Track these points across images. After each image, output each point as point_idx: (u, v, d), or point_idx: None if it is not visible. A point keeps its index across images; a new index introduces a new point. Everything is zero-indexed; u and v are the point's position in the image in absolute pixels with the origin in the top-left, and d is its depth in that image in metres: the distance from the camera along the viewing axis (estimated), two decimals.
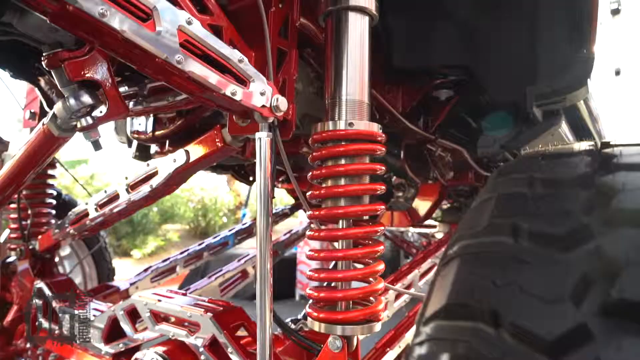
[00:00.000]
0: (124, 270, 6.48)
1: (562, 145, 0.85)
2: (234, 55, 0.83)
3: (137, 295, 1.31)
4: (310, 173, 1.00)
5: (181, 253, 2.39)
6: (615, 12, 2.50)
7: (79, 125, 0.96)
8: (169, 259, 2.30)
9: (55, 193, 2.01)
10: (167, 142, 1.71)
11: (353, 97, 0.97)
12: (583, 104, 1.76)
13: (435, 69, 1.57)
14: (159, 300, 1.26)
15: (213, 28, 0.96)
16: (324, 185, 0.98)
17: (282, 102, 0.93)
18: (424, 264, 1.78)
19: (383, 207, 1.04)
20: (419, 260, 1.83)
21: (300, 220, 5.68)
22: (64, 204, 2.39)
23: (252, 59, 1.04)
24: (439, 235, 3.60)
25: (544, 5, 1.30)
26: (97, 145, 0.99)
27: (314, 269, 1.01)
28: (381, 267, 1.01)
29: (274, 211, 3.23)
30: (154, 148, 1.79)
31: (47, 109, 1.29)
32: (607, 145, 0.76)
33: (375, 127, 0.98)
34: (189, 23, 0.73)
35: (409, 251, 4.62)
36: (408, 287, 1.70)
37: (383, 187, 1.02)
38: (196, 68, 0.75)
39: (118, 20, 0.63)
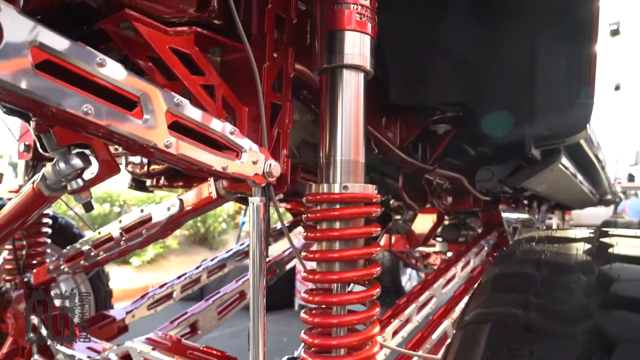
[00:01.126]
0: (123, 278, 6.48)
1: (566, 230, 0.97)
2: (224, 128, 0.82)
3: (132, 342, 1.30)
4: (305, 234, 0.99)
5: (178, 278, 2.38)
6: (615, 32, 2.50)
7: (69, 188, 0.95)
8: (166, 284, 2.28)
9: (50, 221, 1.99)
10: (162, 177, 1.69)
11: (348, 158, 0.96)
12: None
13: (433, 106, 1.55)
14: (153, 349, 1.25)
15: (205, 87, 0.95)
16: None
17: (275, 168, 0.91)
18: (421, 297, 1.77)
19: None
20: (416, 292, 1.81)
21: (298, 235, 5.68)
22: (60, 228, 2.37)
23: (245, 114, 1.03)
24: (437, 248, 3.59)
25: (542, 49, 1.28)
26: (88, 207, 0.98)
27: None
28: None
29: (273, 227, 3.22)
30: (149, 181, 1.77)
31: (40, 149, 1.28)
32: (605, 234, 0.87)
33: (370, 190, 0.96)
34: (178, 105, 0.71)
35: (408, 262, 4.61)
36: (406, 322, 1.69)
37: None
38: (186, 149, 0.73)
39: (104, 114, 0.61)
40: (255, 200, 0.92)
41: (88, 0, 0.78)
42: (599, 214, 5.52)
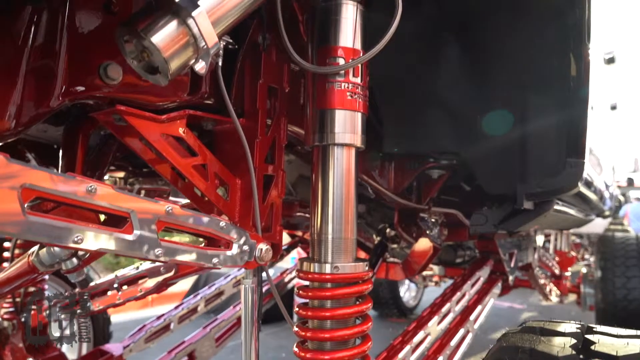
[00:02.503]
0: None
1: (555, 322, 1.08)
2: (215, 223, 0.83)
3: None
4: (298, 309, 1.00)
5: (175, 308, 2.39)
6: (610, 60, 2.51)
7: (64, 267, 0.96)
8: (163, 316, 2.29)
9: None
10: None
11: (339, 236, 0.97)
12: None
13: (426, 154, 1.57)
14: None
15: (197, 168, 0.96)
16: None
17: (267, 252, 0.92)
18: (416, 337, 1.78)
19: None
20: (412, 331, 1.82)
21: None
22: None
23: (238, 187, 1.04)
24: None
25: (533, 109, 1.29)
26: (84, 284, 0.99)
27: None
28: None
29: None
30: None
31: None
32: (591, 330, 0.93)
33: (361, 268, 0.97)
34: (168, 213, 0.72)
35: None
36: None
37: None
38: (177, 254, 0.74)
39: (94, 239, 0.62)
40: (248, 282, 0.93)
41: (86, 101, 0.79)
42: (600, 222, 5.52)
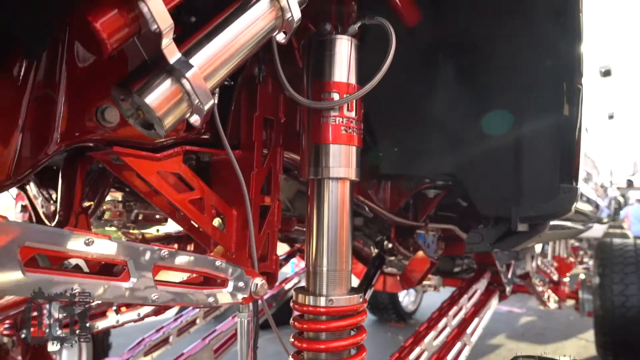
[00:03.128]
0: None
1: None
2: (211, 263, 0.84)
3: None
4: (294, 340, 1.01)
5: (174, 320, 2.40)
6: (606, 73, 2.53)
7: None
8: (162, 328, 2.31)
9: None
10: None
11: (334, 268, 0.98)
12: None
13: (422, 176, 1.58)
14: None
15: (194, 202, 0.97)
16: None
17: (263, 287, 0.94)
18: (412, 354, 1.80)
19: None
20: (408, 347, 1.84)
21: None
22: None
23: (234, 218, 1.06)
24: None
25: (528, 135, 1.30)
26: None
27: None
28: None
29: None
30: None
31: (32, 214, 1.30)
32: None
33: (355, 300, 0.99)
34: (164, 258, 0.74)
35: None
36: None
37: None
38: (173, 296, 0.76)
39: (91, 289, 0.64)
40: (243, 316, 0.94)
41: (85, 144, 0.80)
42: (599, 227, 5.52)
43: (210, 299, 0.83)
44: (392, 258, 2.49)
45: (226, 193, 1.08)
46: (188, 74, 0.58)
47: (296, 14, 0.73)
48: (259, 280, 0.93)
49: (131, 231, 1.59)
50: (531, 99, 1.29)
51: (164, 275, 0.78)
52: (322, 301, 0.96)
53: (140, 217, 1.62)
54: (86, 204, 1.30)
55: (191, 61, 0.61)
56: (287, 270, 4.01)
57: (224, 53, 0.65)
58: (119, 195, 1.64)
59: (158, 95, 0.58)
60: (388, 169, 1.52)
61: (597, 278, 4.21)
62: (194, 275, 0.91)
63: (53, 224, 0.95)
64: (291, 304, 1.03)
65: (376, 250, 2.48)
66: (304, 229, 2.18)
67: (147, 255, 0.71)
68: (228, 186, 1.07)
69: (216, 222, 1.07)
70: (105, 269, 0.68)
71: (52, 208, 1.35)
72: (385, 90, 1.37)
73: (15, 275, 0.55)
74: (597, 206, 2.85)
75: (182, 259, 0.78)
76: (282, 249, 3.33)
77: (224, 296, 0.86)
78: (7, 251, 0.55)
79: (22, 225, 0.56)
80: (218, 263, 0.84)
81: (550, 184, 1.28)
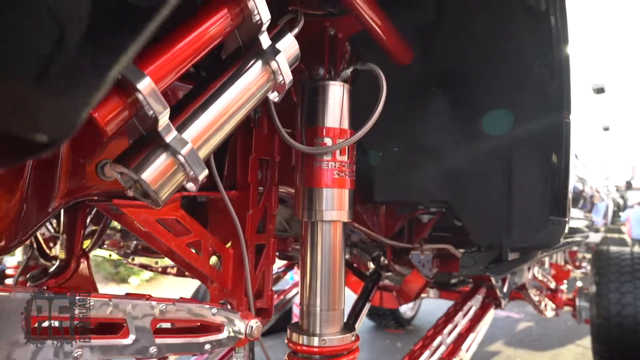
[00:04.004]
0: None
1: None
2: (207, 311, 0.87)
3: None
4: None
5: None
6: (600, 91, 2.57)
7: None
8: None
9: None
10: None
11: (327, 308, 1.01)
12: None
13: (416, 202, 1.61)
14: None
15: (191, 244, 1.01)
16: None
17: (257, 328, 0.97)
18: None
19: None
20: None
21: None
22: None
23: (230, 257, 1.09)
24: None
25: (518, 167, 1.33)
26: None
27: None
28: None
29: None
30: None
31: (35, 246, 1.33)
32: None
33: (348, 340, 1.02)
34: (163, 312, 0.77)
35: None
36: None
37: None
38: (171, 348, 0.79)
39: (92, 351, 0.67)
40: (239, 356, 0.97)
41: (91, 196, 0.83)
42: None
43: (207, 346, 0.86)
44: (389, 274, 2.52)
45: (223, 231, 1.11)
46: (183, 151, 0.62)
47: (287, 77, 0.76)
48: (254, 323, 0.96)
49: (130, 261, 1.63)
50: (520, 133, 1.32)
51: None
52: (316, 341, 0.99)
53: (139, 248, 1.65)
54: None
55: (186, 134, 0.64)
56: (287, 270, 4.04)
57: (219, 121, 0.68)
58: (118, 224, 1.68)
59: (154, 170, 0.61)
60: (382, 196, 1.55)
61: (594, 286, 4.25)
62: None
63: (54, 267, 0.98)
64: (286, 340, 1.06)
65: (373, 266, 2.51)
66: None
67: (146, 311, 0.74)
68: (224, 225, 1.10)
69: (213, 259, 1.10)
70: (103, 329, 0.71)
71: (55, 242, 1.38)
72: (379, 119, 1.41)
73: (18, 342, 0.58)
74: (591, 220, 2.88)
75: (179, 310, 0.81)
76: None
77: (220, 342, 0.89)
78: (11, 321, 0.58)
79: (24, 293, 0.59)
80: (214, 311, 0.88)
81: (540, 216, 1.31)
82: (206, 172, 0.66)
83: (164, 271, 2.00)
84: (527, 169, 1.33)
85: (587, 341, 4.58)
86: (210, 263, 1.08)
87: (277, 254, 2.56)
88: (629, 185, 12.68)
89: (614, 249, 4.51)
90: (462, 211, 1.49)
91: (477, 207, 1.44)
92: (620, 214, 11.64)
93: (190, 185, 0.68)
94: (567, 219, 1.30)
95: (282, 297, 3.19)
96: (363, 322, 2.28)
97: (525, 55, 1.20)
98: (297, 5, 1.05)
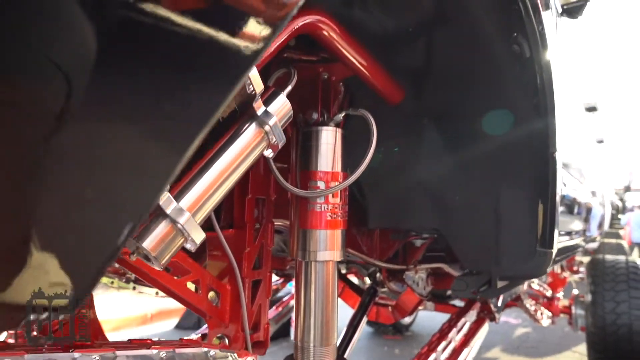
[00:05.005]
0: (122, 305, 6.59)
1: None
2: (205, 354, 0.92)
3: None
4: None
5: None
6: (592, 109, 2.64)
7: None
8: None
9: None
10: None
11: (320, 345, 1.06)
12: None
13: (409, 229, 1.66)
14: None
15: (191, 284, 1.05)
16: None
17: None
18: None
19: None
20: None
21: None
22: None
23: (228, 293, 1.13)
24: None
25: (507, 201, 1.38)
26: None
27: None
28: None
29: None
30: None
31: None
32: None
33: None
34: (162, 359, 0.81)
35: None
36: None
37: None
38: None
39: None
40: None
41: None
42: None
43: None
44: (385, 289, 2.57)
45: (220, 266, 1.16)
46: (182, 220, 0.66)
47: (280, 138, 0.81)
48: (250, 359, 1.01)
49: (132, 290, 1.67)
50: (507, 167, 1.37)
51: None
52: None
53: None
54: None
55: (184, 202, 0.68)
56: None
57: (215, 186, 0.73)
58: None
59: (154, 238, 0.65)
60: (376, 223, 1.60)
61: (589, 295, 4.30)
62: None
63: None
64: None
65: (369, 282, 2.56)
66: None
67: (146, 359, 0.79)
68: (222, 260, 1.15)
69: (211, 294, 1.14)
70: None
71: None
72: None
73: None
74: (584, 234, 2.93)
75: (178, 356, 0.85)
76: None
77: None
78: None
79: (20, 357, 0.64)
80: (212, 353, 0.92)
81: (527, 247, 1.36)
82: (203, 236, 0.70)
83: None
84: (515, 202, 1.38)
85: (583, 347, 4.62)
86: (208, 298, 1.13)
87: (275, 272, 2.61)
88: (627, 188, 12.74)
89: (609, 257, 4.56)
90: (453, 239, 1.54)
91: (467, 236, 1.49)
92: (620, 216, 11.70)
93: (190, 246, 0.72)
94: (553, 250, 1.35)
95: (280, 309, 3.24)
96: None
97: (512, 96, 1.25)
98: (291, 52, 1.10)
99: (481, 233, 1.44)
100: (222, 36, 0.47)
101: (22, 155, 0.39)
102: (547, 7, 1.49)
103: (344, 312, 1.91)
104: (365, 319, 2.59)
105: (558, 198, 1.33)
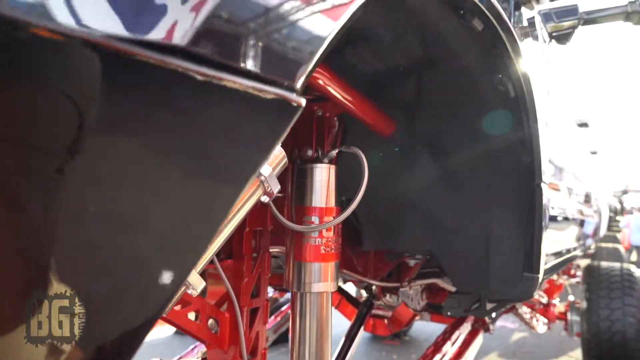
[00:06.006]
0: None
1: None
2: None
3: None
4: None
5: None
6: (583, 125, 2.71)
7: None
8: None
9: None
10: None
11: None
12: None
13: (402, 251, 1.71)
14: None
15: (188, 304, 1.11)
16: None
17: None
18: None
19: None
20: None
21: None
22: None
23: (227, 320, 1.19)
24: None
25: (496, 225, 1.43)
26: None
27: None
28: None
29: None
30: None
31: None
32: None
33: None
34: None
35: None
36: None
37: None
38: None
39: None
40: None
41: None
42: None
43: None
44: (380, 302, 2.62)
45: (219, 295, 1.22)
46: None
47: (276, 186, 0.86)
48: None
49: None
50: (496, 195, 1.42)
51: None
52: None
53: None
54: None
55: None
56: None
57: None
58: None
59: None
60: (370, 245, 1.65)
61: (584, 302, 4.35)
62: None
63: None
64: None
65: (366, 295, 2.62)
66: None
67: None
68: (221, 288, 1.21)
69: (210, 321, 1.20)
70: None
71: None
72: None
73: None
74: (576, 248, 2.99)
75: None
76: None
77: None
78: None
79: None
80: None
81: (514, 272, 1.42)
82: (204, 284, 0.76)
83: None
84: (503, 228, 1.43)
85: (579, 353, 4.68)
86: (208, 325, 1.19)
87: (273, 287, 2.66)
88: (624, 192, 12.79)
89: (604, 264, 4.61)
90: (445, 261, 1.59)
91: (459, 260, 1.54)
92: (618, 218, 11.74)
93: (190, 292, 0.78)
94: (539, 276, 1.40)
95: (278, 318, 3.29)
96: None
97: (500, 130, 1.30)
98: None
99: (471, 257, 1.50)
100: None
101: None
102: (535, 38, 1.55)
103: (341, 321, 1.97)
104: (362, 331, 2.65)
105: (545, 224, 1.39)
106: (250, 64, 0.47)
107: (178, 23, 0.40)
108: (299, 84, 0.52)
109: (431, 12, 0.92)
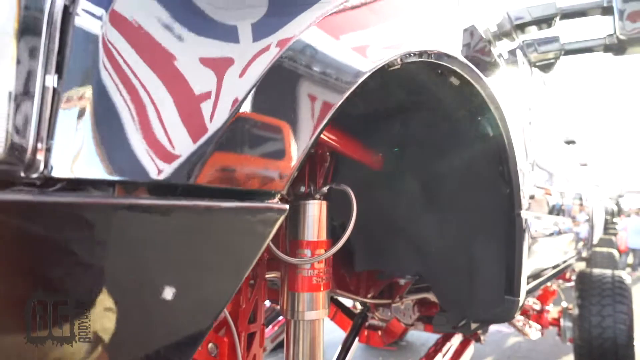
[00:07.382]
0: None
1: None
2: None
3: None
4: None
5: None
6: (571, 142, 2.82)
7: None
8: None
9: None
10: None
11: None
12: None
13: (392, 272, 1.80)
14: None
15: None
16: None
17: None
18: None
19: None
20: None
21: None
22: None
23: (225, 345, 1.27)
24: None
25: (478, 251, 1.52)
26: None
27: None
28: None
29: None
30: None
31: None
32: None
33: None
34: None
35: None
36: None
37: None
38: None
39: None
40: None
41: None
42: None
43: None
44: (374, 315, 2.71)
45: (217, 320, 1.30)
46: None
47: None
48: None
49: None
50: (479, 222, 1.51)
51: None
52: None
53: None
54: None
55: None
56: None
57: None
58: None
59: None
60: (362, 266, 1.74)
61: (577, 309, 4.44)
62: None
63: None
64: None
65: (360, 307, 2.70)
66: None
67: None
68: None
69: (210, 345, 1.29)
70: None
71: None
72: (358, 203, 1.61)
73: None
74: (565, 261, 3.08)
75: None
76: None
77: None
78: None
79: None
80: None
81: (496, 294, 1.51)
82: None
83: None
84: (485, 253, 1.52)
85: (572, 358, 4.77)
86: (208, 349, 1.28)
87: (271, 302, 2.75)
88: (620, 195, 12.89)
89: (596, 271, 4.70)
90: (433, 282, 1.69)
91: (445, 282, 1.63)
92: (615, 220, 11.83)
93: None
94: (519, 299, 1.49)
95: (275, 328, 3.38)
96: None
97: (481, 166, 1.39)
98: None
99: (456, 280, 1.59)
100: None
101: None
102: (517, 68, 1.64)
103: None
104: (356, 342, 2.73)
105: (525, 250, 1.48)
106: (241, 188, 0.57)
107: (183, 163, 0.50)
108: (284, 190, 0.62)
109: (413, 70, 1.01)
